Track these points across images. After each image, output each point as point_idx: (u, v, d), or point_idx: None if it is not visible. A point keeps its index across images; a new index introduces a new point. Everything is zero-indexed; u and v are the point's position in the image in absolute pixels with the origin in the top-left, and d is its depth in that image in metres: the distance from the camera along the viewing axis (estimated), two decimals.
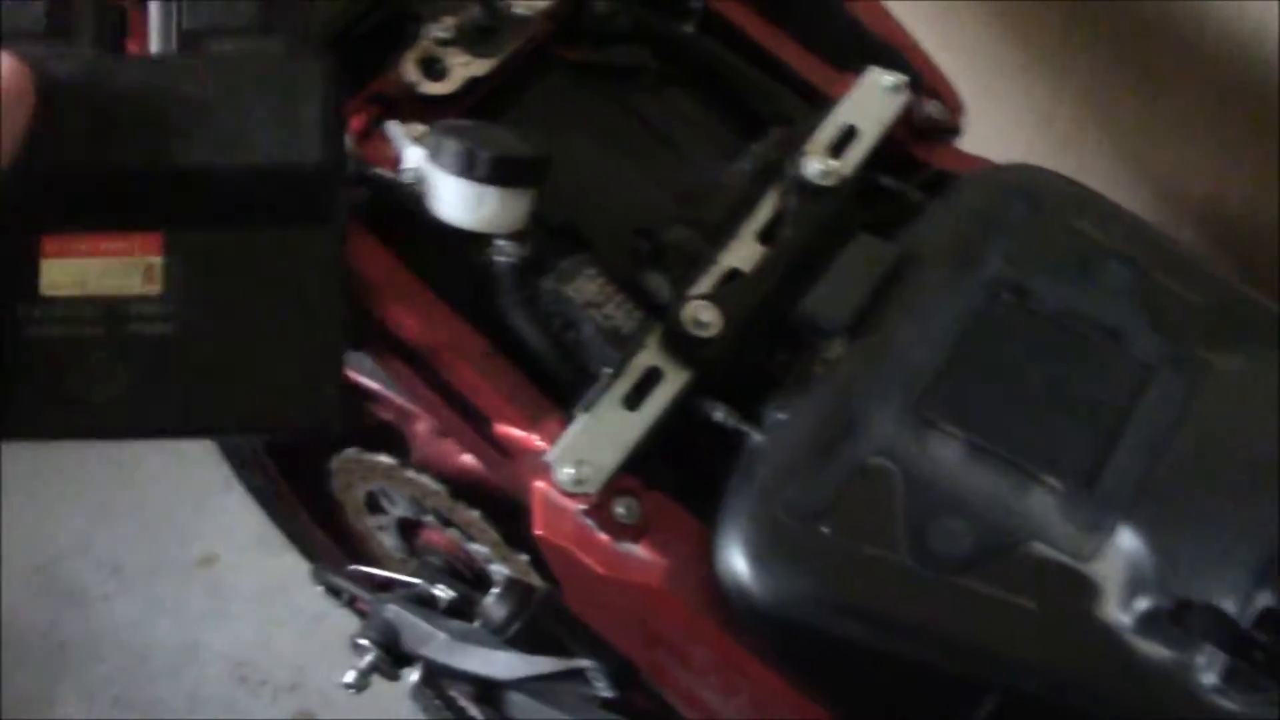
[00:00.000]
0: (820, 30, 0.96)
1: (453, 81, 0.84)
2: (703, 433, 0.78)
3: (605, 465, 0.73)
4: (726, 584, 0.71)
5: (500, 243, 0.77)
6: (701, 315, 0.76)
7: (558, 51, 0.92)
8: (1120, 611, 0.69)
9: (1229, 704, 0.66)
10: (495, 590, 0.98)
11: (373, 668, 1.09)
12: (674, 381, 0.76)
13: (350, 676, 1.09)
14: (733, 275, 0.80)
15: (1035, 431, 0.74)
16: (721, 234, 0.81)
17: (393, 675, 1.10)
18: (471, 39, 0.85)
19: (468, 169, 0.73)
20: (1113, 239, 0.82)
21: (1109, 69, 1.31)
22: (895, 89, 0.89)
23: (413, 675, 1.10)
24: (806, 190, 0.83)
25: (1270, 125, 1.18)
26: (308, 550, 1.41)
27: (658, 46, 0.94)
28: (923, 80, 0.92)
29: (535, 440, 0.75)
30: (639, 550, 0.74)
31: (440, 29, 0.85)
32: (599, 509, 0.73)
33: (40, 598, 1.79)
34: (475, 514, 1.03)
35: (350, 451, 1.11)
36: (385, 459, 1.08)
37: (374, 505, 1.20)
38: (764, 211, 0.83)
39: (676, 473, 0.78)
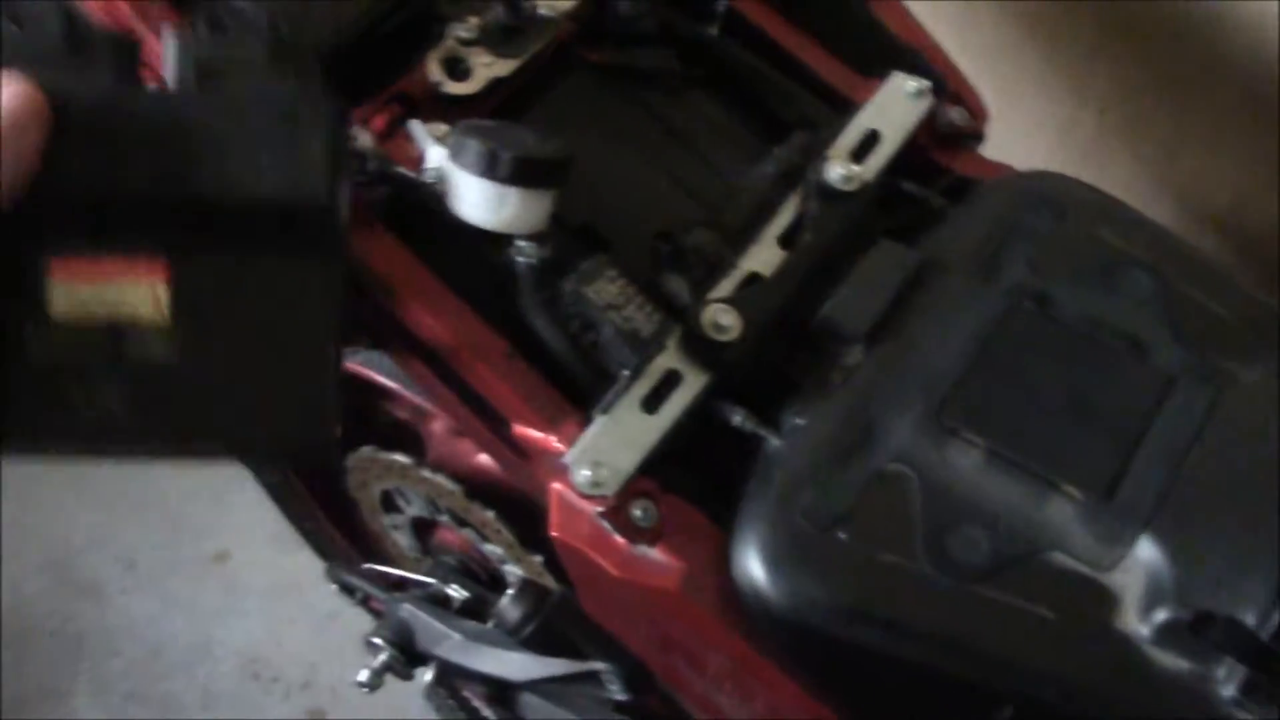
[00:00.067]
0: (844, 33, 0.95)
1: (476, 82, 0.84)
2: (721, 436, 0.78)
3: (623, 468, 0.73)
4: (742, 589, 0.71)
5: (521, 243, 0.77)
6: (721, 319, 0.76)
7: (581, 53, 0.92)
8: (1139, 622, 0.69)
9: (1247, 716, 0.66)
10: (510, 592, 0.97)
11: (386, 667, 1.08)
12: (693, 384, 0.76)
13: (364, 675, 1.09)
14: (753, 279, 0.80)
15: (1055, 440, 0.73)
16: (742, 238, 0.81)
17: (406, 675, 1.09)
18: (495, 39, 0.85)
19: (490, 169, 0.73)
20: (1135, 248, 0.81)
21: (1133, 76, 1.31)
22: (918, 94, 0.89)
23: (426, 675, 1.10)
24: (828, 195, 0.83)
25: None
26: (322, 548, 1.41)
27: (681, 49, 0.94)
28: (946, 85, 0.91)
29: (553, 442, 0.75)
30: (655, 553, 0.74)
31: (464, 29, 0.85)
32: (616, 511, 0.73)
33: (55, 592, 1.79)
34: (490, 514, 1.03)
35: (366, 450, 1.11)
36: (401, 458, 1.08)
37: (389, 504, 1.20)
38: (785, 215, 0.83)
39: (694, 476, 0.78)
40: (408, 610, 1.08)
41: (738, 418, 0.76)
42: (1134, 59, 1.30)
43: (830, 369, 0.77)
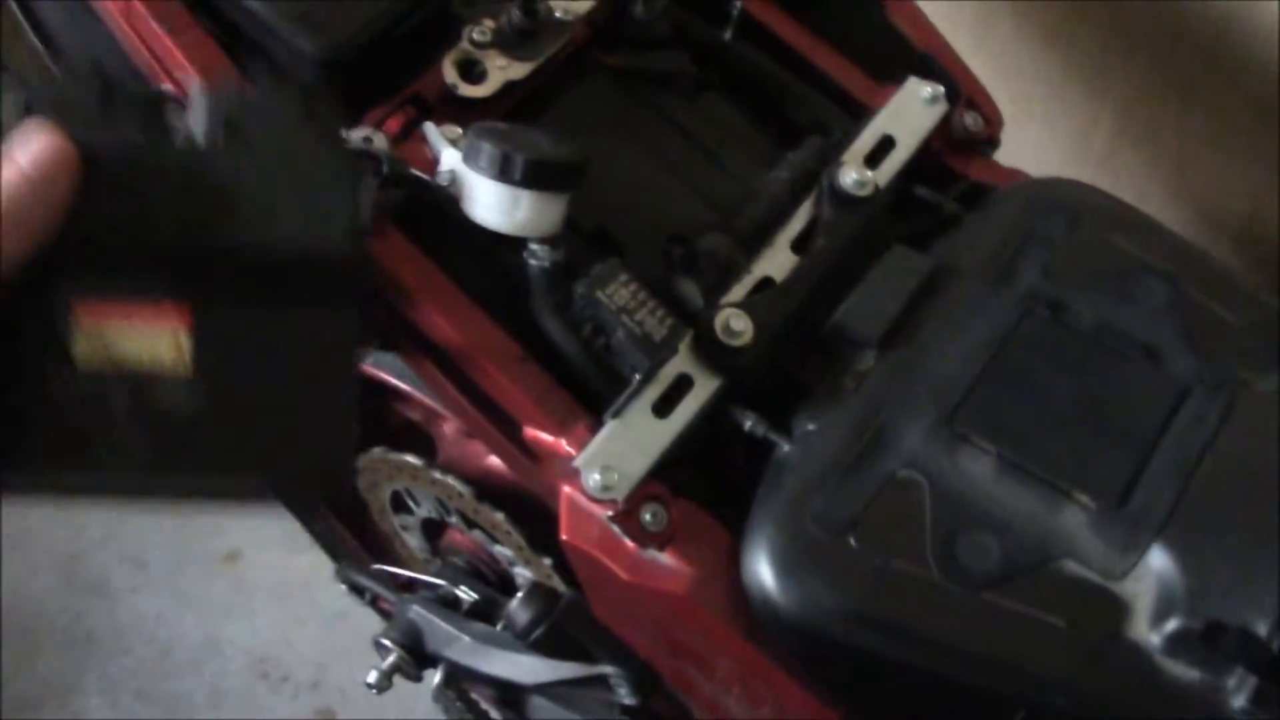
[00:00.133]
0: (859, 38, 0.95)
1: (490, 85, 0.84)
2: (732, 441, 0.78)
3: (633, 472, 0.73)
4: (752, 594, 0.71)
5: (534, 246, 0.77)
6: (733, 323, 0.76)
7: (596, 56, 0.92)
8: (1150, 631, 0.68)
9: None
10: (520, 595, 0.97)
11: (395, 668, 1.08)
12: (704, 389, 0.76)
13: (372, 677, 1.09)
14: (766, 284, 0.80)
15: (1067, 448, 0.73)
16: (755, 242, 0.81)
17: (415, 676, 1.09)
18: (510, 42, 0.85)
19: (504, 172, 0.73)
20: (1150, 255, 0.81)
21: (1148, 84, 1.31)
22: (933, 100, 0.88)
23: (435, 677, 1.10)
24: (842, 200, 0.83)
25: None
26: (331, 548, 1.41)
27: (696, 52, 0.94)
28: (961, 91, 0.91)
29: (564, 445, 0.75)
30: (665, 558, 0.74)
31: (479, 32, 0.85)
32: (626, 515, 0.73)
33: (65, 590, 1.80)
34: (500, 516, 1.03)
35: (377, 451, 1.11)
36: (411, 459, 1.09)
37: (399, 505, 1.20)
38: (798, 220, 0.83)
39: (705, 480, 0.78)
40: (417, 612, 1.08)
41: (749, 422, 0.76)
42: (1149, 66, 1.29)
43: (842, 374, 0.77)
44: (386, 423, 1.12)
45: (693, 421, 0.75)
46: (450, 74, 0.84)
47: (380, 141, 0.80)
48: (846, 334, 0.78)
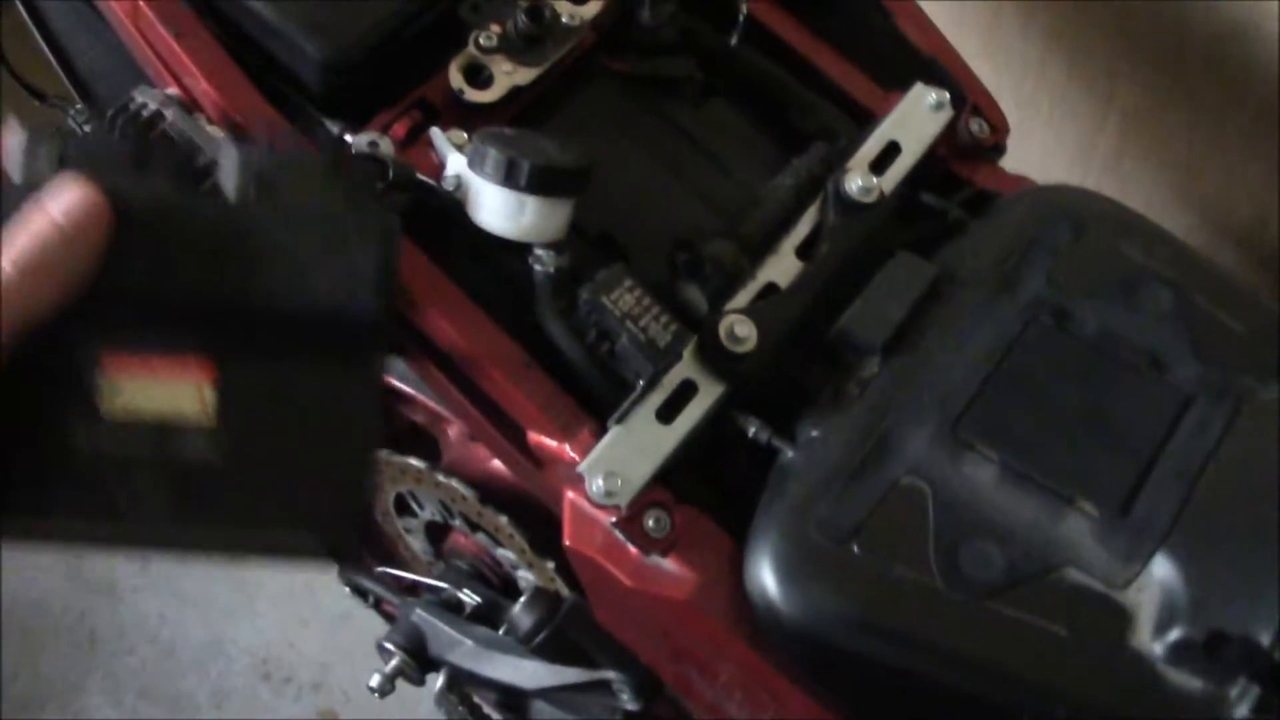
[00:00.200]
0: (866, 44, 0.95)
1: (497, 90, 0.84)
2: (736, 447, 0.78)
3: (636, 478, 0.73)
4: (755, 600, 0.71)
5: (539, 252, 0.77)
6: (737, 329, 0.76)
7: (602, 61, 0.92)
8: (1153, 641, 0.68)
9: None
10: (522, 599, 0.97)
11: (398, 672, 1.09)
12: (708, 395, 0.76)
13: (375, 681, 1.09)
14: (770, 290, 0.80)
15: (1071, 456, 0.73)
16: (760, 248, 0.81)
17: (418, 680, 1.10)
18: (517, 47, 0.85)
19: (509, 178, 0.73)
20: (1155, 263, 0.81)
21: (1155, 90, 1.31)
22: (939, 106, 0.88)
23: (437, 680, 1.10)
24: (847, 206, 0.83)
25: None
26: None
27: (702, 58, 0.94)
28: (967, 97, 0.91)
29: (568, 451, 0.75)
30: (668, 564, 0.74)
31: (485, 37, 0.85)
32: (629, 521, 0.73)
33: (69, 589, 1.80)
34: (503, 520, 1.03)
35: (381, 453, 1.11)
36: (415, 462, 1.09)
37: (403, 508, 1.20)
38: (803, 226, 0.83)
39: (708, 486, 0.78)
40: (420, 615, 1.08)
41: (753, 429, 0.76)
42: (1156, 73, 1.29)
43: (846, 381, 0.77)
44: (391, 426, 1.12)
45: (697, 427, 0.75)
46: (456, 79, 0.84)
47: (386, 146, 0.81)
48: (851, 340, 0.78)
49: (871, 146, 0.86)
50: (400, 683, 1.12)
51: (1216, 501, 0.72)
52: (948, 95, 0.89)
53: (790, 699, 0.74)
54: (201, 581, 1.81)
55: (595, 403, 0.76)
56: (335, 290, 0.57)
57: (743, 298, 0.79)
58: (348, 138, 0.82)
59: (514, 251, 0.77)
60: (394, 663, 1.08)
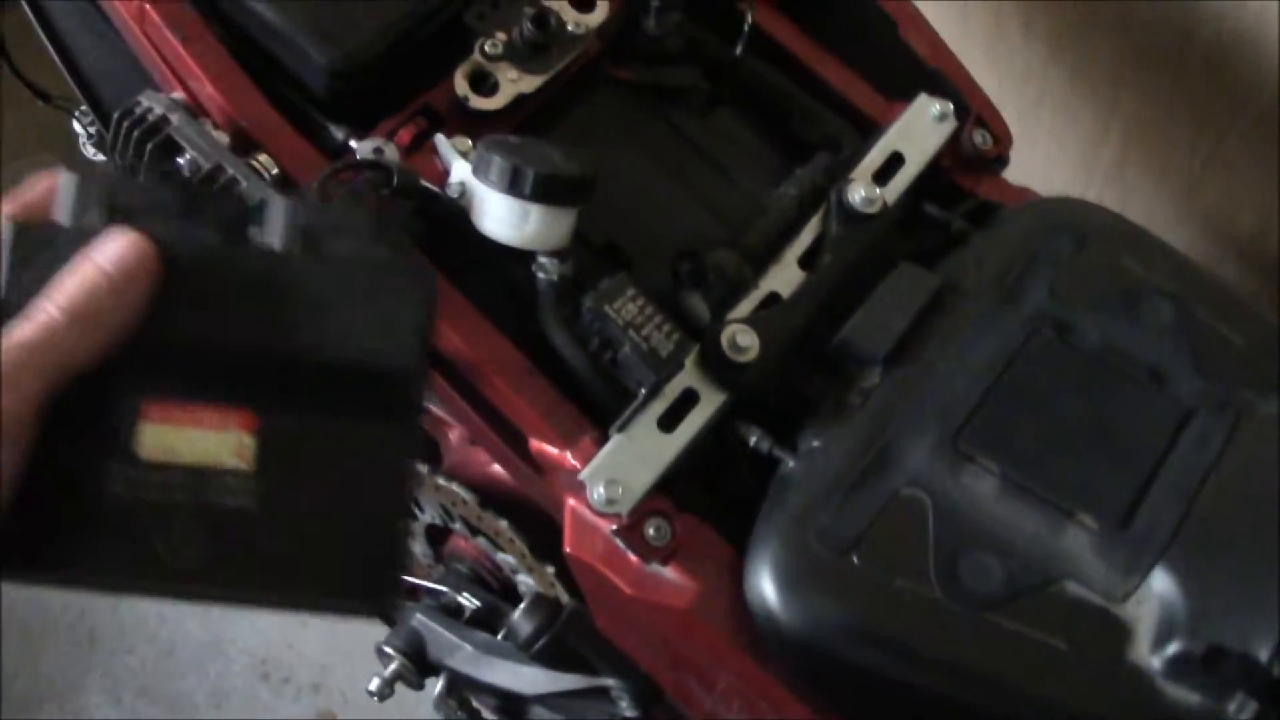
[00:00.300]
0: (870, 55, 0.95)
1: (502, 97, 0.85)
2: (737, 456, 0.78)
3: (638, 486, 0.73)
4: (755, 610, 0.71)
5: (542, 259, 0.77)
6: (740, 339, 0.76)
7: (607, 70, 0.92)
8: (1151, 654, 0.68)
9: None
10: (522, 606, 0.98)
11: (397, 676, 1.09)
12: (710, 404, 0.76)
13: (375, 684, 1.09)
14: (772, 299, 0.80)
15: (1071, 469, 0.73)
16: (764, 258, 0.81)
17: (417, 684, 1.10)
18: (522, 55, 0.86)
19: (514, 186, 0.73)
20: (1157, 276, 0.81)
21: (1158, 102, 1.31)
22: (943, 117, 0.89)
23: (437, 685, 1.10)
24: (850, 217, 0.83)
25: None
26: None
27: (707, 67, 0.94)
28: (971, 109, 0.91)
29: (569, 458, 0.75)
30: (668, 572, 0.74)
31: (491, 44, 0.85)
32: (630, 529, 0.73)
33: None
34: (503, 524, 1.03)
35: None
36: None
37: None
38: (806, 236, 0.83)
39: (709, 495, 0.78)
40: (420, 620, 1.08)
41: (754, 438, 0.77)
42: (1158, 84, 1.29)
43: (848, 391, 0.77)
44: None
45: (698, 436, 0.75)
46: (462, 86, 0.84)
47: (391, 152, 0.81)
48: (852, 351, 0.78)
49: (875, 157, 0.86)
50: (399, 686, 1.12)
51: (1216, 515, 0.72)
52: (951, 106, 0.89)
53: (789, 708, 0.74)
54: None
55: (597, 411, 0.77)
56: (376, 344, 0.58)
57: (745, 307, 0.79)
58: (352, 143, 0.82)
59: (517, 259, 0.77)
60: (393, 666, 1.08)
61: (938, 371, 0.77)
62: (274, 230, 0.60)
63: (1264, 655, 0.66)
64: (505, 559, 1.08)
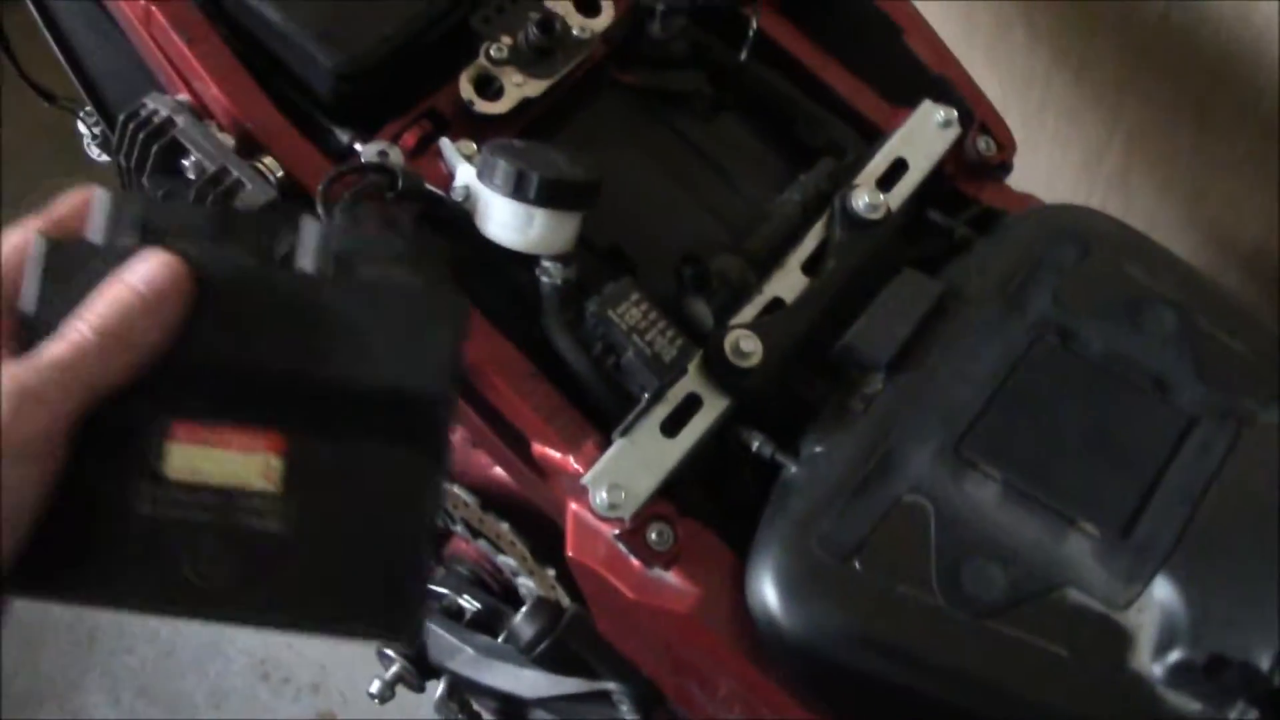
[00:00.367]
0: (874, 61, 0.96)
1: (507, 101, 0.85)
2: (739, 461, 0.78)
3: (640, 491, 0.73)
4: (756, 615, 0.71)
5: (546, 264, 0.77)
6: (743, 344, 0.77)
7: (612, 74, 0.92)
8: (1152, 662, 0.68)
9: None
10: (524, 609, 0.98)
11: (398, 678, 1.09)
12: (713, 409, 0.76)
13: (375, 687, 1.10)
14: (776, 305, 0.80)
15: (1074, 476, 0.73)
16: (767, 263, 0.82)
17: (418, 687, 1.10)
18: (527, 59, 0.86)
19: (518, 190, 0.73)
20: (1161, 284, 0.81)
21: (1162, 108, 1.31)
22: (947, 124, 0.89)
23: (438, 687, 1.10)
24: (853, 222, 0.83)
25: None
26: None
27: (712, 72, 0.94)
28: (975, 115, 0.91)
29: (571, 462, 0.75)
30: (670, 577, 0.74)
31: (496, 48, 0.85)
32: (632, 534, 0.73)
33: None
34: (505, 526, 1.04)
35: None
36: None
37: None
38: (810, 242, 0.83)
39: (711, 500, 0.78)
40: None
41: (757, 443, 0.77)
42: (1163, 91, 1.29)
43: (850, 397, 0.77)
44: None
45: (701, 441, 0.75)
46: (467, 89, 0.85)
47: (395, 155, 0.81)
48: (855, 356, 0.78)
49: (879, 163, 0.86)
50: (399, 688, 1.12)
51: (1218, 524, 0.72)
52: (955, 113, 0.89)
53: (790, 714, 0.74)
54: None
55: (600, 415, 0.77)
56: (406, 370, 0.58)
57: (748, 312, 0.79)
58: (357, 146, 0.82)
59: (521, 263, 0.78)
60: (394, 669, 1.08)
61: (940, 378, 0.77)
62: (307, 254, 0.59)
63: (1265, 664, 0.66)
64: (506, 562, 1.08)
